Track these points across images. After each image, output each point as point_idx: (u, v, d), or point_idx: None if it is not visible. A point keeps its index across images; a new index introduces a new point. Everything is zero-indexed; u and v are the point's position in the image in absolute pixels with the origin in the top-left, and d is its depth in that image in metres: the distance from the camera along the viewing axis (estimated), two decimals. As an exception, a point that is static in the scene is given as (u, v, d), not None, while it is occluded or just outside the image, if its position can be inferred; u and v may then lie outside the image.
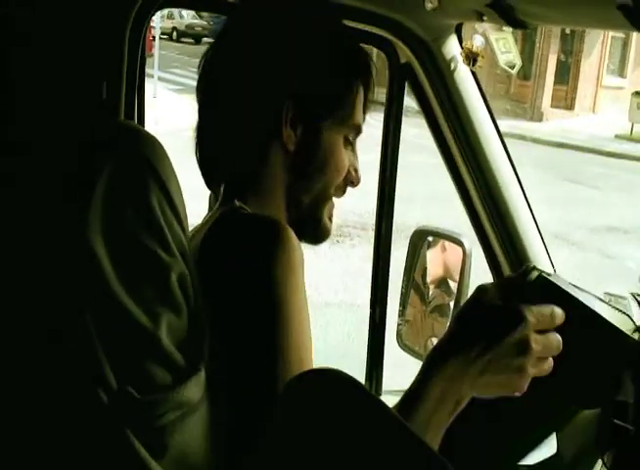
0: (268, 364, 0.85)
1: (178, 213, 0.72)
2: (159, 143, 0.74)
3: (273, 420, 0.65)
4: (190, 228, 0.86)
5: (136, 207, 0.68)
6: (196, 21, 29.28)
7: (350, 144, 1.11)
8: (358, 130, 1.11)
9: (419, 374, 0.84)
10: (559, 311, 0.90)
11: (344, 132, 1.09)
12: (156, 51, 15.62)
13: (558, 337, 0.89)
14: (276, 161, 1.05)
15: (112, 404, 0.60)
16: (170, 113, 12.88)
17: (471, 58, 1.56)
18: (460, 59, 1.55)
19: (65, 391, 0.61)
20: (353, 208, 7.15)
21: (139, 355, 0.63)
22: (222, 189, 1.09)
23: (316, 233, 1.12)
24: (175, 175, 0.74)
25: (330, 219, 1.12)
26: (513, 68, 1.69)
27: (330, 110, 1.06)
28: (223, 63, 1.07)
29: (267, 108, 1.03)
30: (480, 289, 0.89)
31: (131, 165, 0.70)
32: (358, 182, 1.13)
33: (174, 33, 29.53)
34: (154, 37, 16.22)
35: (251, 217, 0.99)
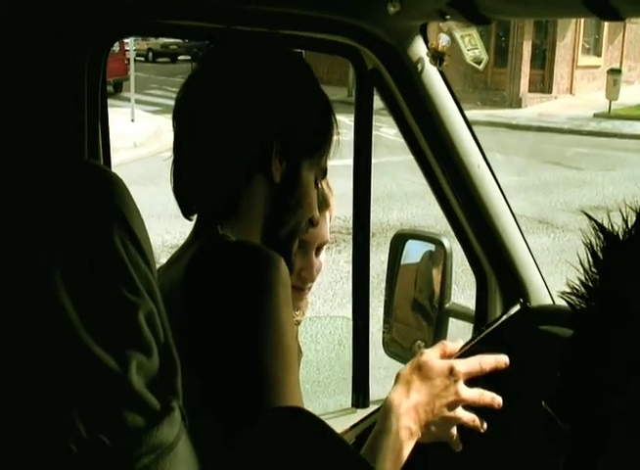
0: (255, 398, 0.86)
1: (143, 251, 0.70)
2: (122, 182, 0.73)
3: (241, 453, 0.64)
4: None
5: (99, 249, 0.67)
6: (170, 39, 29.14)
7: (317, 186, 1.16)
8: (325, 173, 1.18)
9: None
10: (488, 358, 1.13)
11: (316, 173, 1.14)
12: (131, 74, 15.56)
13: (489, 393, 1.12)
14: (259, 192, 1.08)
15: (82, 454, 0.59)
16: (149, 135, 12.86)
17: (437, 57, 1.56)
18: (427, 59, 1.54)
19: (32, 442, 0.59)
20: (338, 213, 7.08)
21: (109, 401, 0.62)
22: (197, 217, 1.09)
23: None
24: (139, 214, 0.73)
25: (294, 257, 1.16)
26: (480, 63, 1.69)
27: (311, 149, 1.11)
28: (205, 97, 1.08)
29: (258, 141, 1.06)
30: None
31: (93, 205, 0.69)
32: (317, 224, 1.21)
33: (150, 54, 29.49)
34: (128, 60, 16.16)
35: (242, 245, 1.02)
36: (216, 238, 1.03)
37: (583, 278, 0.58)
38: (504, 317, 1.35)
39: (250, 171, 1.07)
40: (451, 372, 1.10)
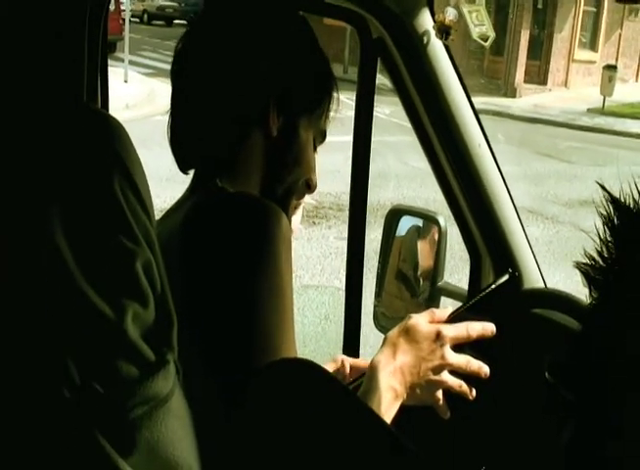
0: (250, 351, 0.85)
1: (143, 200, 0.68)
2: (123, 128, 0.71)
3: (241, 408, 0.63)
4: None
5: (99, 195, 0.65)
6: (167, 2, 28.87)
7: (315, 150, 1.16)
8: (324, 136, 1.18)
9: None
10: (475, 325, 1.13)
11: (314, 134, 1.14)
12: (126, 34, 15.38)
13: (477, 361, 1.12)
14: (256, 146, 1.08)
15: (75, 400, 0.57)
16: (142, 97, 12.74)
17: (443, 31, 1.54)
18: (433, 32, 1.52)
19: (25, 387, 0.58)
20: (329, 189, 7.17)
21: (103, 349, 0.60)
22: (195, 172, 1.09)
23: None
24: (139, 162, 0.71)
25: (290, 219, 1.14)
26: (486, 40, 1.67)
27: (310, 108, 1.11)
28: (205, 48, 1.08)
29: (255, 96, 1.06)
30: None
31: (93, 151, 0.67)
32: (314, 189, 1.18)
33: (145, 16, 29.09)
34: (123, 20, 15.97)
35: (243, 196, 1.01)
36: (215, 190, 1.02)
37: (599, 249, 0.57)
38: (492, 286, 1.34)
39: (247, 126, 1.07)
40: (438, 336, 1.11)
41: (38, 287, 0.59)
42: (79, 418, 0.57)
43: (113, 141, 0.68)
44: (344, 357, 1.31)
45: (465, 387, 1.13)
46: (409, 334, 1.10)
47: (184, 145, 1.09)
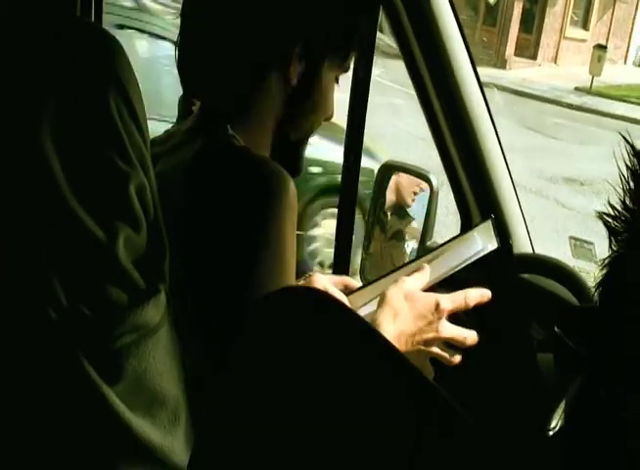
0: (239, 289, 0.82)
1: (139, 121, 0.65)
2: (120, 46, 0.67)
3: (238, 344, 0.60)
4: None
5: (93, 112, 0.62)
6: None
7: (337, 82, 1.12)
8: (347, 70, 1.13)
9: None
10: (473, 293, 1.11)
11: (337, 73, 1.09)
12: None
13: (470, 332, 1.10)
14: (274, 91, 1.03)
15: (60, 322, 0.54)
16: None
17: (449, -16, 1.50)
18: (438, -15, 1.48)
19: (8, 305, 0.54)
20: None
21: (93, 272, 0.57)
22: (203, 103, 1.03)
23: (294, 168, 1.09)
24: (136, 81, 0.67)
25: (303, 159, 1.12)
26: (492, -2, 1.63)
27: (336, 50, 1.06)
28: None
29: (278, 43, 1.00)
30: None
31: (89, 68, 0.63)
32: (332, 117, 1.14)
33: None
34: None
35: (251, 157, 0.95)
36: (225, 139, 0.97)
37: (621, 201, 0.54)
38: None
39: (264, 69, 1.01)
40: (437, 308, 1.09)
41: (26, 202, 0.56)
42: (63, 340, 0.54)
43: (109, 58, 0.65)
44: (320, 280, 1.21)
45: (451, 358, 1.12)
46: (409, 300, 1.08)
47: (192, 73, 1.03)
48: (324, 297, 0.46)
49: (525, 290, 1.52)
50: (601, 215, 0.55)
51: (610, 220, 0.54)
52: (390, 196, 1.72)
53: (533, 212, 7.19)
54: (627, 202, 0.53)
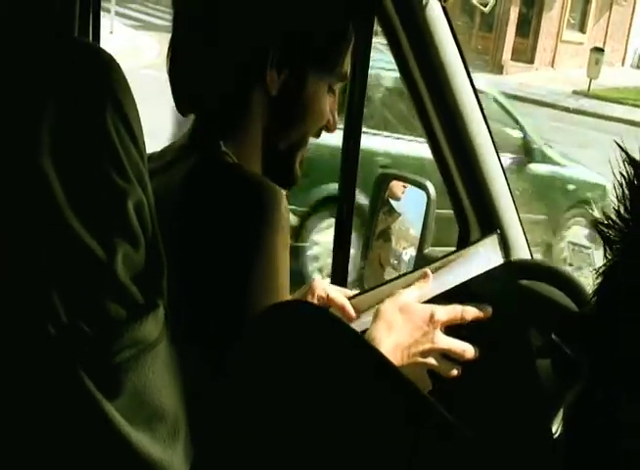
0: (234, 303, 0.83)
1: (136, 138, 0.66)
2: (116, 64, 0.68)
3: (234, 359, 0.61)
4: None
5: (90, 129, 0.62)
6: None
7: (333, 91, 1.07)
8: (344, 78, 1.08)
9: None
10: (470, 309, 1.12)
11: (330, 81, 1.05)
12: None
13: (466, 344, 1.11)
14: (257, 103, 1.00)
15: (60, 339, 0.55)
16: (128, 50, 12.50)
17: (443, -7, 1.51)
18: (432, -7, 1.49)
19: (8, 321, 0.55)
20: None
21: (92, 288, 0.58)
22: (194, 121, 1.03)
23: (287, 179, 1.09)
24: (133, 98, 0.68)
25: (300, 165, 1.09)
26: (486, 5, 1.64)
27: (318, 57, 1.01)
28: None
29: (252, 44, 0.97)
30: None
31: (86, 85, 0.64)
32: (334, 129, 1.10)
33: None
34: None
35: (244, 175, 0.94)
36: (218, 156, 0.96)
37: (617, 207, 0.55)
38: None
39: (244, 80, 0.99)
40: (431, 319, 1.09)
41: (25, 220, 0.57)
42: (63, 357, 0.55)
43: (106, 75, 0.66)
44: (321, 286, 1.21)
45: (450, 369, 1.12)
46: (404, 313, 1.08)
47: (183, 87, 1.02)
48: (318, 311, 0.47)
49: (524, 296, 1.52)
50: (596, 224, 0.56)
51: (604, 229, 0.54)
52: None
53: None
54: (622, 211, 0.53)
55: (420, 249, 1.68)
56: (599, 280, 0.52)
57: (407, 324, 1.07)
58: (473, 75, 1.58)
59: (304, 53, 0.99)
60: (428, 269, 1.19)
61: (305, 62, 1.00)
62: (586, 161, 9.54)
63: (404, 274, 1.30)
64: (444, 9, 1.52)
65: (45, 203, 0.58)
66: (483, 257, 1.27)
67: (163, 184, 0.91)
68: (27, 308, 0.55)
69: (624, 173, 0.54)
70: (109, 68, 0.66)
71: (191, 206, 0.91)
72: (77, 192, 0.59)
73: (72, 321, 0.56)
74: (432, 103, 1.53)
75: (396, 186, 1.72)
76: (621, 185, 0.54)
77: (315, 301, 1.18)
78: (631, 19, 24.72)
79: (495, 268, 1.32)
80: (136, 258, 0.61)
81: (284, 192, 0.92)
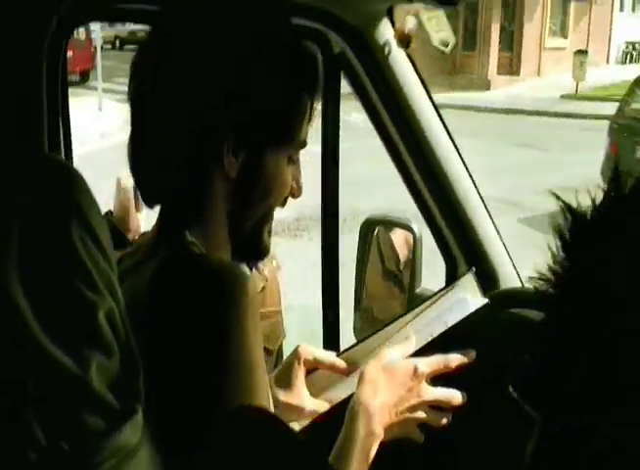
0: (210, 406, 0.84)
1: (103, 248, 0.68)
2: (80, 177, 0.70)
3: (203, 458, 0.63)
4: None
5: (57, 246, 0.64)
6: (138, 26, 28.53)
7: (294, 160, 1.06)
8: (303, 146, 1.06)
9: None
10: (453, 356, 1.13)
11: (289, 153, 1.04)
12: (98, 62, 15.22)
13: (452, 391, 1.13)
14: (218, 187, 1.00)
15: (41, 462, 0.57)
16: (116, 125, 12.61)
17: (404, 40, 1.54)
18: (394, 42, 1.52)
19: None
20: (308, 201, 7.02)
21: (68, 404, 0.60)
22: (160, 213, 1.04)
23: (257, 253, 1.10)
24: (99, 210, 0.70)
25: (269, 234, 1.08)
26: (447, 46, 1.67)
27: (275, 135, 1.00)
28: (154, 74, 0.98)
29: (207, 135, 0.96)
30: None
31: (49, 203, 0.66)
32: (299, 194, 1.09)
33: (117, 42, 29.08)
34: (95, 48, 15.85)
35: (210, 264, 0.94)
36: (183, 248, 0.96)
37: (551, 262, 0.56)
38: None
39: (202, 169, 0.99)
40: (415, 374, 1.11)
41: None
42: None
43: (71, 191, 0.67)
44: (307, 350, 1.23)
45: (439, 419, 1.14)
46: (386, 372, 1.10)
47: (143, 178, 1.03)
48: (275, 423, 0.49)
49: (513, 326, 1.53)
50: (532, 280, 0.57)
51: (540, 282, 0.55)
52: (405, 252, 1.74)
53: (530, 230, 7.20)
54: (553, 266, 0.55)
55: (411, 288, 1.70)
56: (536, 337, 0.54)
57: (391, 383, 1.08)
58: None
59: (259, 134, 0.98)
60: (412, 333, 1.20)
61: (261, 142, 0.99)
62: (578, 168, 9.55)
63: (395, 319, 1.32)
64: (408, 55, 1.55)
65: (13, 323, 0.59)
66: (466, 297, 1.29)
67: (134, 285, 0.92)
68: (5, 435, 0.57)
69: (559, 223, 0.55)
70: (72, 183, 0.68)
71: (159, 303, 0.91)
72: (46, 309, 0.61)
73: (52, 443, 0.57)
74: (407, 150, 1.56)
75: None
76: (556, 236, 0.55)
77: (302, 367, 1.20)
78: (611, 17, 24.86)
79: (482, 306, 1.33)
80: (110, 367, 0.63)
81: (249, 273, 0.93)
